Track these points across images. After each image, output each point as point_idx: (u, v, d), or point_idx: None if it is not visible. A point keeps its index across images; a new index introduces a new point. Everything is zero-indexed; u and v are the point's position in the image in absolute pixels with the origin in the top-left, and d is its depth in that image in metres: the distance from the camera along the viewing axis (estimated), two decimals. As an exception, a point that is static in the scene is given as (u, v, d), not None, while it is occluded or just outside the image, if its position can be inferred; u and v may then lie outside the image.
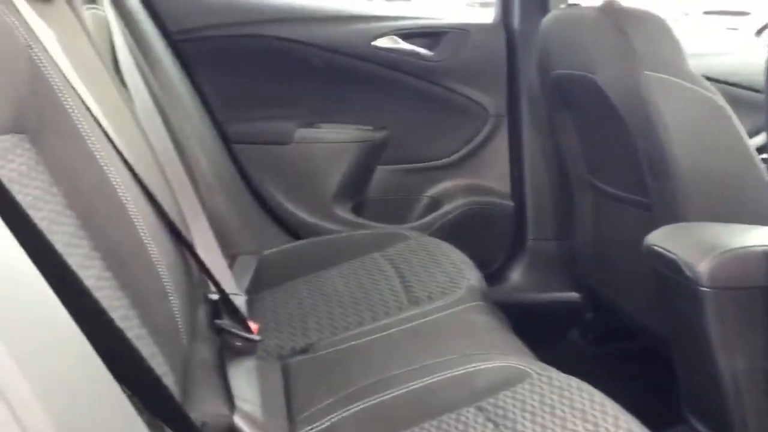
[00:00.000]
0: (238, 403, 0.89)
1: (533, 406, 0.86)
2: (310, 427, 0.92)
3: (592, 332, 1.82)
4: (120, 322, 0.70)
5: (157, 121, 1.29)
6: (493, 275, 1.79)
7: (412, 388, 0.95)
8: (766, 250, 1.09)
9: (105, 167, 0.76)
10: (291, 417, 0.97)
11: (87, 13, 1.12)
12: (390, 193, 1.87)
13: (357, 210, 1.85)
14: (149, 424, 0.61)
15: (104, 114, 0.84)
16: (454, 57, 1.84)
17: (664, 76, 1.29)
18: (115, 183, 0.76)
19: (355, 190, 1.84)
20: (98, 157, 0.76)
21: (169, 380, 0.77)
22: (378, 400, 0.94)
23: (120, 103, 1.03)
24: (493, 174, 1.88)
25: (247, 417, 0.86)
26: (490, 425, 0.84)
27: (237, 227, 1.62)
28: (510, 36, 1.84)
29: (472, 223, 1.86)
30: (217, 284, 1.09)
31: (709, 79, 1.37)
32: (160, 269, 0.80)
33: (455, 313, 1.19)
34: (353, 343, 1.14)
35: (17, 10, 0.73)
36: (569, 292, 1.82)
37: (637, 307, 1.50)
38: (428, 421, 0.87)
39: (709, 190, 1.30)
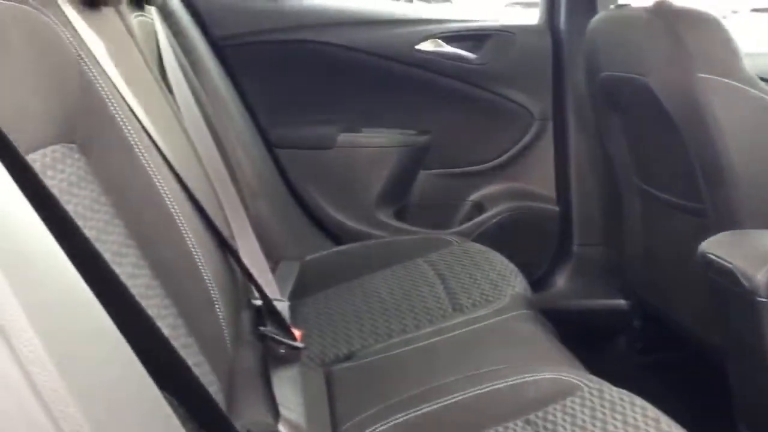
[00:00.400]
0: (282, 411, 0.88)
1: (584, 421, 0.84)
2: (354, 437, 0.91)
3: (640, 341, 1.77)
4: (167, 331, 0.71)
5: (202, 127, 1.30)
6: (537, 281, 1.76)
7: (457, 399, 0.93)
8: (828, 259, 1.04)
9: (153, 176, 0.76)
10: (335, 426, 0.97)
11: (135, 20, 1.13)
12: (433, 197, 1.86)
13: (399, 215, 1.84)
14: (195, 433, 0.61)
15: (152, 122, 0.84)
16: (498, 60, 1.81)
17: (719, 78, 1.24)
18: (162, 192, 0.77)
19: (397, 195, 1.83)
20: (146, 165, 0.76)
21: (214, 389, 0.77)
22: (423, 410, 0.92)
23: (167, 110, 1.04)
24: (537, 178, 1.85)
25: (291, 425, 0.85)
26: (539, 440, 0.82)
27: (279, 232, 1.63)
28: (556, 38, 1.81)
29: (516, 228, 1.84)
30: (260, 290, 1.09)
31: (763, 80, 1.32)
32: (206, 277, 0.80)
33: (501, 322, 1.17)
34: (397, 351, 1.13)
35: (68, 21, 0.74)
36: (616, 299, 1.77)
37: (689, 315, 1.45)
38: (475, 434, 0.85)
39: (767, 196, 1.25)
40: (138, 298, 0.60)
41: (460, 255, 1.42)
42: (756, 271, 1.04)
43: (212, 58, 1.67)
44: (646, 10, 1.36)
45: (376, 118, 1.83)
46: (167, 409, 0.52)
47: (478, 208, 1.86)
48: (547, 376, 0.93)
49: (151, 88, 0.99)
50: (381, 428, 0.91)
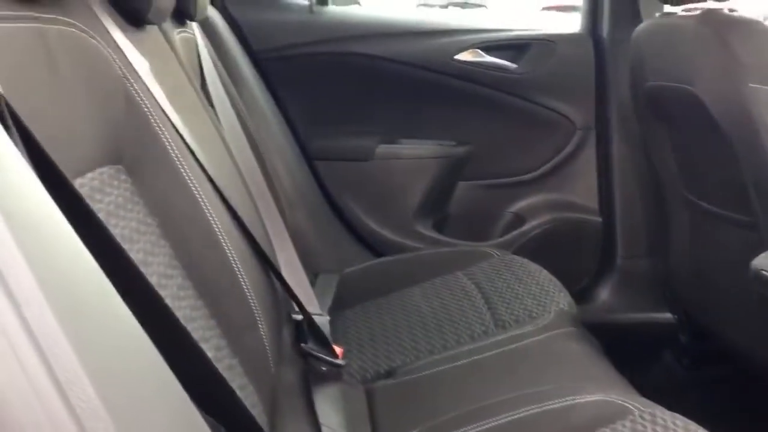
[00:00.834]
0: (324, 430, 0.87)
1: (635, 447, 0.81)
2: (396, 458, 0.90)
3: (687, 356, 1.72)
4: (212, 354, 0.70)
5: (243, 140, 1.30)
6: (579, 294, 1.72)
7: (501, 421, 0.91)
8: None
9: (197, 195, 0.76)
10: (377, 446, 0.95)
11: (177, 36, 1.14)
12: (472, 209, 1.83)
13: (438, 227, 1.82)
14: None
15: (194, 139, 0.84)
16: (539, 69, 1.79)
17: (771, 88, 1.20)
18: (207, 211, 0.76)
19: (436, 207, 1.81)
20: (191, 185, 0.76)
21: (258, 411, 0.77)
22: (467, 432, 0.90)
23: (209, 126, 1.04)
24: (579, 189, 1.82)
25: (334, 445, 0.84)
26: (589, 466, 0.80)
27: (318, 245, 1.62)
28: (598, 46, 1.77)
29: (558, 240, 1.80)
30: (301, 306, 1.09)
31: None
32: (250, 297, 0.80)
33: (545, 340, 1.14)
34: (438, 368, 1.11)
35: (113, 41, 0.74)
36: (662, 312, 1.73)
37: (739, 331, 1.40)
38: (521, 459, 0.83)
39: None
40: (183, 321, 0.59)
41: (500, 268, 1.39)
42: (813, 289, 1.00)
43: (252, 72, 1.68)
44: (694, 18, 1.32)
45: (414, 129, 1.81)
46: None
47: (519, 219, 1.83)
48: (595, 398, 0.91)
49: (193, 105, 0.99)
50: (424, 449, 0.90)
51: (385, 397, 1.06)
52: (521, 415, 0.91)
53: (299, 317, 1.10)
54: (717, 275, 1.47)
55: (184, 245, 0.72)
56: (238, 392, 0.66)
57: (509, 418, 0.91)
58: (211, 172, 0.84)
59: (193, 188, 0.76)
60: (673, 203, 1.56)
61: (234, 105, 1.38)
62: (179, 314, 0.65)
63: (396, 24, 1.85)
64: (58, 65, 0.61)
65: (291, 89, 1.76)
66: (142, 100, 0.73)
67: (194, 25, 1.32)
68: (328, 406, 0.94)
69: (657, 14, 1.64)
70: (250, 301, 0.80)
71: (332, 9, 1.90)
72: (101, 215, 0.61)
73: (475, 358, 1.12)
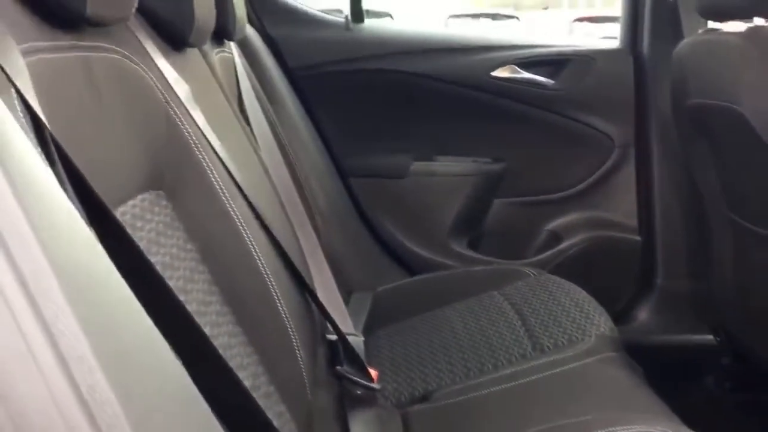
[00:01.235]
0: (360, 456, 0.86)
1: (682, 483, 0.78)
2: (433, 487, 0.88)
3: (730, 380, 1.67)
4: (249, 382, 0.69)
5: (278, 158, 1.30)
6: (617, 315, 1.69)
7: (543, 451, 0.89)
8: None
9: (236, 220, 0.76)
10: (413, 473, 0.93)
11: (216, 57, 1.14)
12: (507, 227, 1.81)
13: (473, 245, 1.80)
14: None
15: (233, 160, 0.84)
16: (577, 85, 1.76)
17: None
18: (245, 236, 0.76)
19: (471, 225, 1.80)
20: (230, 210, 0.75)
21: (294, 439, 0.76)
22: (506, 462, 0.88)
23: (247, 146, 1.04)
24: (618, 207, 1.78)
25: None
26: (634, 501, 0.77)
27: (352, 262, 1.61)
28: (638, 62, 1.74)
29: (595, 259, 1.77)
30: (336, 326, 1.08)
31: None
32: (287, 323, 0.79)
33: (586, 366, 1.11)
34: (475, 393, 1.09)
35: (156, 66, 0.74)
36: (704, 335, 1.68)
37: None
38: (563, 492, 0.80)
39: None
40: (221, 348, 0.58)
41: (537, 288, 1.37)
42: None
43: (288, 89, 1.69)
44: (740, 35, 1.29)
45: (449, 146, 1.80)
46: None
47: (555, 237, 1.80)
48: (641, 430, 0.88)
49: (232, 126, 0.99)
50: (462, 478, 0.88)
51: (421, 423, 1.04)
52: (562, 445, 0.89)
53: (333, 337, 1.09)
54: (761, 296, 1.43)
55: (223, 271, 0.72)
56: (276, 420, 0.65)
57: (550, 449, 0.89)
58: (249, 193, 0.84)
59: (232, 212, 0.76)
60: (716, 223, 1.52)
61: (270, 123, 1.39)
62: (217, 342, 0.64)
63: (432, 40, 1.84)
64: (102, 93, 0.62)
65: (326, 106, 1.76)
66: (182, 124, 0.74)
67: (232, 45, 1.32)
68: (363, 431, 0.93)
69: (700, 30, 1.61)
70: (288, 327, 0.79)
71: (368, 26, 1.90)
72: (143, 243, 0.61)
73: (513, 383, 1.10)
